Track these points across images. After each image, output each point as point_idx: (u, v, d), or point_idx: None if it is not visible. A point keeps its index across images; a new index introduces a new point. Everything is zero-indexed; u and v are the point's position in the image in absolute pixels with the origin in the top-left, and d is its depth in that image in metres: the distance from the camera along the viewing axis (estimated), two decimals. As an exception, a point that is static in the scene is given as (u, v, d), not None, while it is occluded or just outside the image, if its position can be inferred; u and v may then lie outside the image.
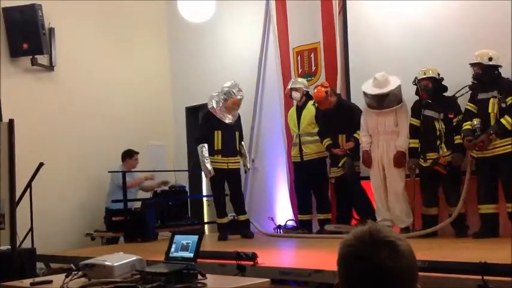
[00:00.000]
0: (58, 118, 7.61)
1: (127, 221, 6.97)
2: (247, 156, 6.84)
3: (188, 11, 8.19)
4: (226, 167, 6.52)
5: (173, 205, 7.67)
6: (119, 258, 2.98)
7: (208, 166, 6.37)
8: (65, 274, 2.98)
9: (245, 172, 6.94)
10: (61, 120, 7.65)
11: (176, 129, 9.07)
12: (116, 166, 7.54)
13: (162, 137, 8.87)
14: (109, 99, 8.24)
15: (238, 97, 6.51)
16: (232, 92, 6.49)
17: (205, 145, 6.43)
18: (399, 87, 5.82)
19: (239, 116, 6.78)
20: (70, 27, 7.81)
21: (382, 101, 5.84)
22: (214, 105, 6.55)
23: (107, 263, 2.91)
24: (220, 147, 6.49)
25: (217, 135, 6.50)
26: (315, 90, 6.36)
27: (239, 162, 6.70)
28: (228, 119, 6.55)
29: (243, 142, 6.80)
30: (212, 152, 6.45)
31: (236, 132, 6.65)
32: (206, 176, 6.58)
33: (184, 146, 8.96)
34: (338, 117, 6.31)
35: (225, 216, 6.65)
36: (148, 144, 8.56)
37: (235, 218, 6.69)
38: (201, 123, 6.74)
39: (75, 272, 2.94)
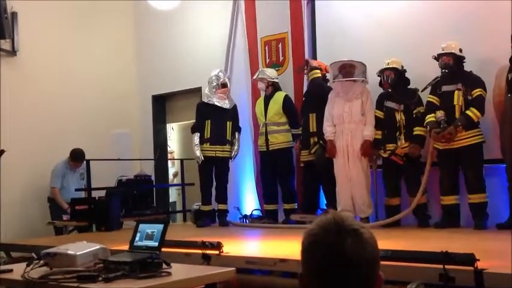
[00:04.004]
0: (20, 104, 7.46)
1: (91, 210, 6.87)
2: (237, 146, 6.89)
3: (154, -2, 8.08)
4: (214, 155, 6.68)
5: (138, 194, 7.60)
6: (81, 247, 2.93)
7: (197, 153, 6.65)
8: (26, 263, 2.92)
9: (232, 161, 6.97)
10: (24, 106, 7.49)
11: (142, 118, 8.98)
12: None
13: (127, 126, 8.77)
14: (73, 85, 8.12)
15: (226, 79, 6.86)
16: (219, 75, 6.83)
17: (197, 134, 6.73)
18: (365, 67, 5.90)
19: (235, 106, 6.91)
20: (33, 12, 7.64)
21: (351, 72, 5.91)
22: (207, 96, 6.80)
23: (69, 251, 2.86)
24: (209, 136, 6.70)
25: (208, 125, 6.72)
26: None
27: (228, 151, 6.79)
28: (226, 104, 6.78)
29: (237, 133, 6.90)
30: (202, 140, 6.70)
31: (228, 122, 6.78)
32: (197, 163, 6.74)
33: (150, 135, 8.89)
34: (311, 97, 6.39)
35: (208, 204, 6.78)
36: (113, 133, 8.45)
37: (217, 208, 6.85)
38: (195, 114, 6.93)
39: (37, 261, 2.89)
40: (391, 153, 5.77)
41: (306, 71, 6.57)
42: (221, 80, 6.79)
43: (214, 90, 6.77)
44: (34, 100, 7.61)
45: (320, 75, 6.40)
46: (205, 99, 6.84)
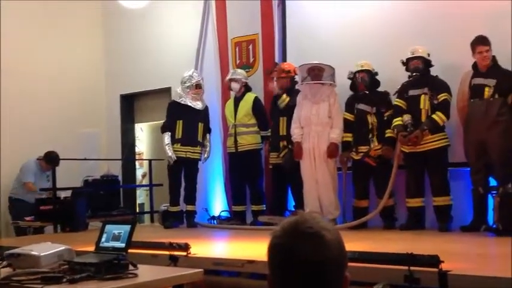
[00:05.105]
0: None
1: (56, 210, 6.76)
2: (209, 148, 6.86)
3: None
4: (184, 156, 6.63)
5: (105, 194, 7.51)
6: (46, 248, 2.88)
7: (169, 152, 6.60)
8: (-12, 264, 2.85)
9: (202, 162, 6.94)
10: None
11: (110, 118, 8.88)
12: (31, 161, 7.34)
13: (94, 125, 8.67)
14: (39, 84, 7.99)
15: (200, 80, 6.80)
16: (193, 76, 6.78)
17: (168, 133, 6.67)
18: (334, 70, 5.92)
19: (207, 108, 6.85)
20: (-1, 10, 7.49)
21: (319, 75, 5.92)
22: (180, 96, 6.74)
23: (33, 252, 2.80)
24: (180, 136, 6.65)
25: (179, 125, 6.68)
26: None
27: (199, 152, 6.75)
28: (198, 105, 6.74)
29: (208, 135, 6.86)
30: (173, 140, 6.64)
31: (200, 123, 6.75)
32: (169, 163, 6.68)
33: (118, 135, 8.79)
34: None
35: (176, 205, 6.74)
36: (80, 132, 8.34)
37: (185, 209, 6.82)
38: (166, 113, 6.89)
39: (0, 262, 2.83)
40: (364, 155, 5.82)
41: (274, 74, 6.58)
42: (195, 80, 6.74)
43: (188, 90, 6.72)
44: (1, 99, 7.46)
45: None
46: (177, 99, 6.79)
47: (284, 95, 6.31)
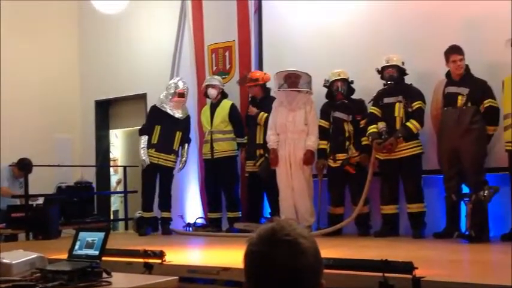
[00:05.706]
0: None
1: (28, 217, 6.65)
2: (185, 158, 6.83)
3: (100, 1, 7.95)
4: (156, 162, 6.61)
5: (78, 201, 7.42)
6: (17, 256, 2.83)
7: (143, 156, 6.58)
8: (-43, 273, 2.79)
9: (177, 172, 6.90)
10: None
11: (84, 123, 8.79)
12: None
13: (69, 131, 8.57)
14: (12, 89, 7.85)
15: (185, 89, 6.73)
16: (178, 84, 6.73)
17: (145, 136, 6.65)
18: (310, 78, 5.94)
19: (188, 117, 6.81)
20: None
21: (296, 82, 5.93)
22: (161, 102, 6.70)
23: (4, 260, 2.76)
24: (156, 142, 6.63)
25: (156, 130, 6.66)
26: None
27: (173, 161, 6.70)
28: (178, 113, 6.69)
29: (186, 145, 6.82)
30: (149, 145, 6.62)
31: (178, 132, 6.70)
32: (142, 166, 6.68)
33: (92, 141, 8.70)
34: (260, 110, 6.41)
35: (149, 211, 6.69)
36: (53, 138, 8.24)
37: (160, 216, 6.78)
38: (147, 116, 6.89)
39: (-31, 271, 2.77)
40: (344, 163, 5.84)
41: (247, 84, 6.59)
42: (179, 89, 6.70)
43: (170, 97, 6.69)
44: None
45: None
46: (158, 104, 6.76)
47: (261, 113, 6.32)
